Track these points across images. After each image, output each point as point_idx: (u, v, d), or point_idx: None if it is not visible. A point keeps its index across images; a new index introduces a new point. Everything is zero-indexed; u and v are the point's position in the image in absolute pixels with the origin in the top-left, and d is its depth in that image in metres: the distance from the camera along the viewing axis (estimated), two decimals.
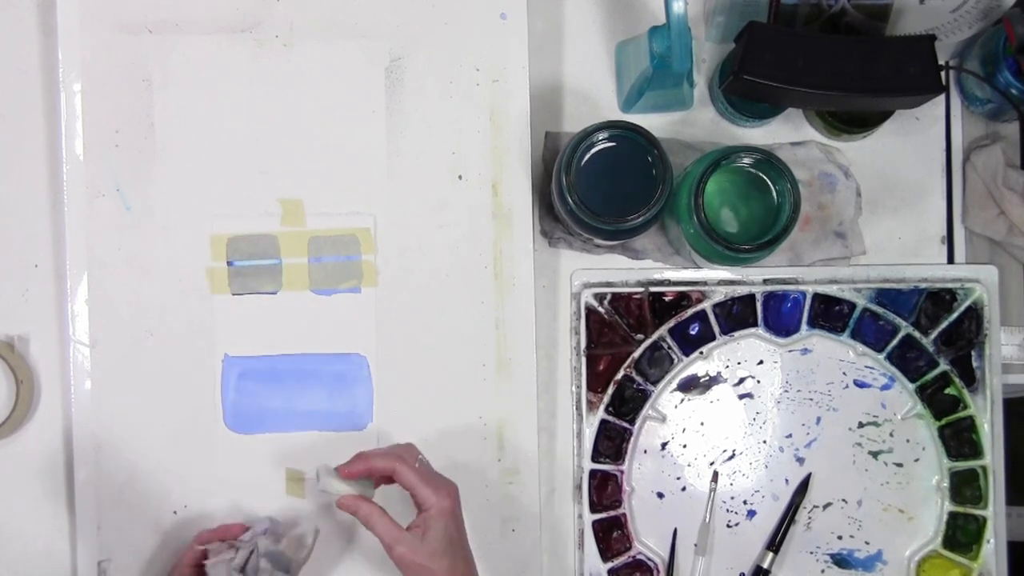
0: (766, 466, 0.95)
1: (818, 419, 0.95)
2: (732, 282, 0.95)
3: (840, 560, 0.95)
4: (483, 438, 0.92)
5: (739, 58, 0.85)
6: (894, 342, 0.95)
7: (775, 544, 0.94)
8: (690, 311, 0.94)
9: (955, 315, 0.95)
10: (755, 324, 0.95)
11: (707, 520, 0.94)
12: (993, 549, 0.94)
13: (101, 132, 0.91)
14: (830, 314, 0.95)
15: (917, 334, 0.95)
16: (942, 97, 0.96)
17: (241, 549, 0.84)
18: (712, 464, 0.95)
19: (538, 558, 0.92)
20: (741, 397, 0.95)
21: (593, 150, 0.85)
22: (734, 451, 0.95)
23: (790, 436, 0.95)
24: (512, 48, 0.93)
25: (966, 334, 0.95)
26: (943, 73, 0.86)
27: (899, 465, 0.95)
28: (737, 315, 0.95)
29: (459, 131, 0.92)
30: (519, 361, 0.92)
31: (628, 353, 0.94)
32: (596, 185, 0.85)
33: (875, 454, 0.95)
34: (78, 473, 0.90)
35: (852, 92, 0.85)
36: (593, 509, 0.94)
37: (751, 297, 0.95)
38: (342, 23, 0.92)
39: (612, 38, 0.96)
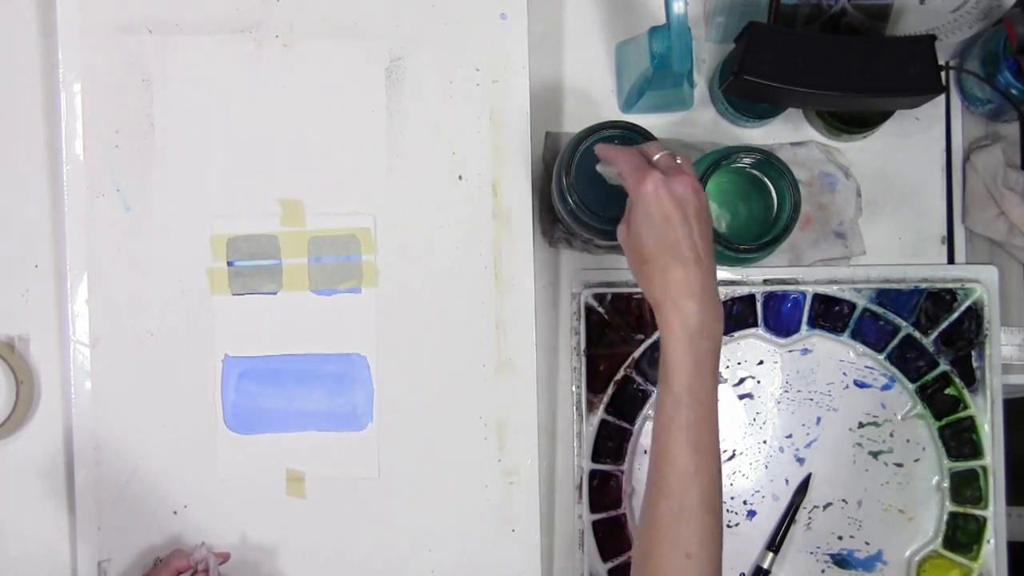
0: (766, 466, 0.95)
1: (818, 419, 0.95)
2: (732, 282, 0.95)
3: (840, 560, 0.95)
4: (483, 438, 0.92)
5: (739, 58, 0.85)
6: (894, 342, 0.95)
7: (775, 544, 0.94)
8: None
9: (955, 315, 0.95)
10: (755, 324, 0.95)
11: None
12: (993, 549, 0.94)
13: (101, 132, 0.91)
14: (830, 314, 0.95)
15: (917, 334, 0.95)
16: (942, 97, 0.96)
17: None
18: None
19: (538, 558, 0.92)
20: (741, 397, 0.95)
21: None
22: (734, 451, 0.95)
23: (790, 436, 0.95)
24: (512, 48, 0.93)
25: (966, 334, 0.95)
26: (943, 73, 0.86)
27: (899, 465, 0.95)
28: (737, 315, 0.95)
29: (459, 131, 0.92)
30: (519, 361, 0.92)
31: (628, 353, 0.94)
32: (596, 185, 0.84)
33: (875, 454, 0.95)
34: (78, 473, 0.90)
35: (852, 92, 0.85)
36: (593, 509, 0.93)
37: (751, 297, 0.95)
38: (342, 23, 0.92)
39: (612, 38, 0.96)
